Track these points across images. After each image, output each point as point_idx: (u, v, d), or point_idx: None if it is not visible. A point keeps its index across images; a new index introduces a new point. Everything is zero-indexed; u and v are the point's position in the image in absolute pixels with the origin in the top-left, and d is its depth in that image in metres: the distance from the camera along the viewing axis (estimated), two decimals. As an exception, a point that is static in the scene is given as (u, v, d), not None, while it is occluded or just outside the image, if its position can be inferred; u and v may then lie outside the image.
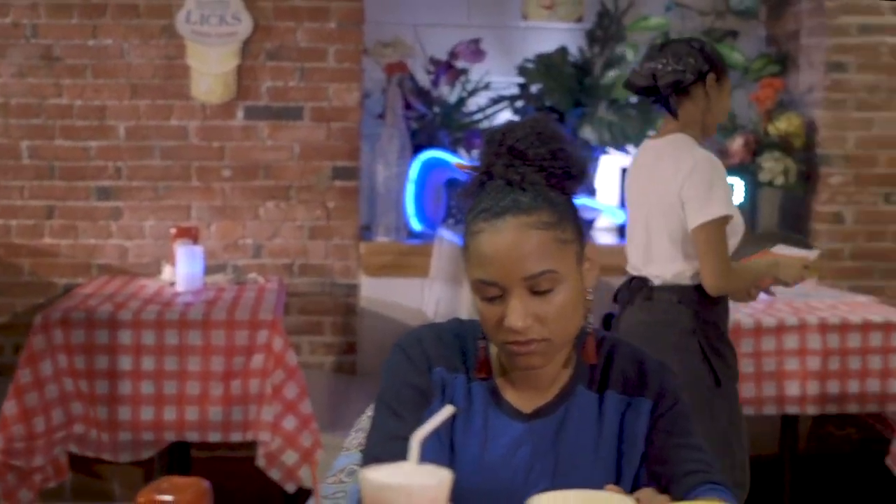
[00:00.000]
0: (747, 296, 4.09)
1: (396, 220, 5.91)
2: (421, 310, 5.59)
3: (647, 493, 2.02)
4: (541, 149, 2.12)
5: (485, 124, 6.18)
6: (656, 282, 4.08)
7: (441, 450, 2.17)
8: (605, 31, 6.23)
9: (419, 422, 2.12)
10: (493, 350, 2.22)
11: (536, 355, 2.13)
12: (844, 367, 4.71)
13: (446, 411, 1.77)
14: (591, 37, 6.26)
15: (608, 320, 4.21)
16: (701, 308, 4.00)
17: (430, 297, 5.47)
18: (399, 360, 2.22)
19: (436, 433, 2.02)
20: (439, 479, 1.61)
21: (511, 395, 2.21)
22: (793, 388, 4.68)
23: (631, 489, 2.18)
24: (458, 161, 2.12)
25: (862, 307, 4.98)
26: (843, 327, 4.71)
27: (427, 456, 2.03)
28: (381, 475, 1.60)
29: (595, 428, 2.22)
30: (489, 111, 6.21)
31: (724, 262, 3.96)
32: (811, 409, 4.71)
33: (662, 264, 4.07)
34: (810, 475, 5.85)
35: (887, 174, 6.03)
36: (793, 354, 4.68)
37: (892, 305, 5.30)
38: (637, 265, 4.14)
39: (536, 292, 2.09)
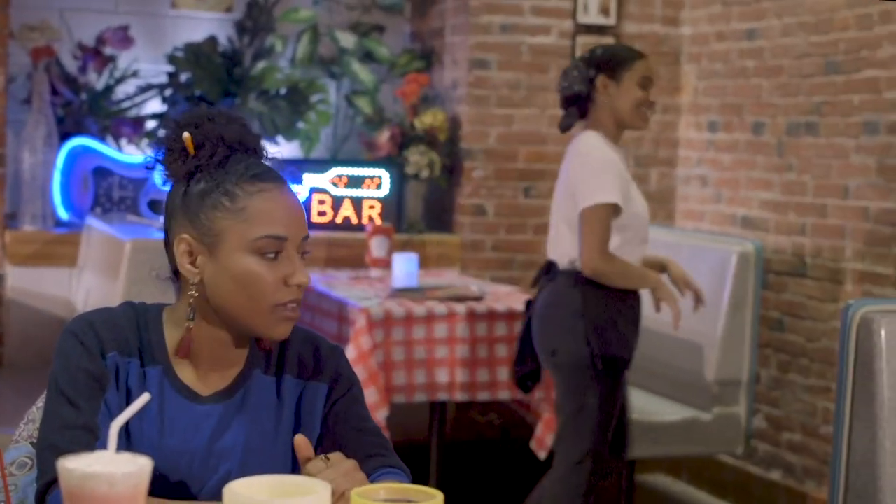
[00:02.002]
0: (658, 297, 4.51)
1: (43, 207, 5.77)
2: (70, 300, 5.48)
3: (337, 456, 2.07)
4: (258, 138, 2.25)
5: (133, 112, 6.11)
6: (560, 266, 4.44)
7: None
8: (255, 21, 6.25)
9: (95, 409, 2.12)
10: (168, 333, 2.22)
11: (295, 319, 2.20)
12: (492, 354, 4.86)
13: (143, 398, 1.77)
14: (241, 27, 6.27)
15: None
16: (592, 293, 4.36)
17: (79, 287, 5.37)
18: (71, 345, 2.17)
19: (106, 422, 2.03)
20: (140, 466, 1.61)
21: (188, 379, 2.22)
22: (442, 376, 4.80)
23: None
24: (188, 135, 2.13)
25: (506, 296, 5.15)
26: (490, 316, 4.87)
27: (101, 445, 2.04)
28: (81, 464, 1.59)
29: (274, 412, 2.25)
30: (137, 99, 6.13)
31: (600, 246, 4.31)
32: (460, 396, 4.85)
33: (562, 249, 4.44)
34: (457, 460, 6.03)
35: (526, 169, 6.26)
36: (442, 343, 4.81)
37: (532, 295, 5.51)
38: (549, 251, 4.53)
39: (302, 254, 2.19)
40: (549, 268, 4.50)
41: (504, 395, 4.91)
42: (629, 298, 4.45)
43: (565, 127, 4.55)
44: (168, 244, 2.22)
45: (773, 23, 5.77)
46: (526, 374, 4.62)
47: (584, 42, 6.24)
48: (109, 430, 1.67)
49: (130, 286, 4.48)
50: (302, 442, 2.06)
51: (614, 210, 4.34)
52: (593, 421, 4.39)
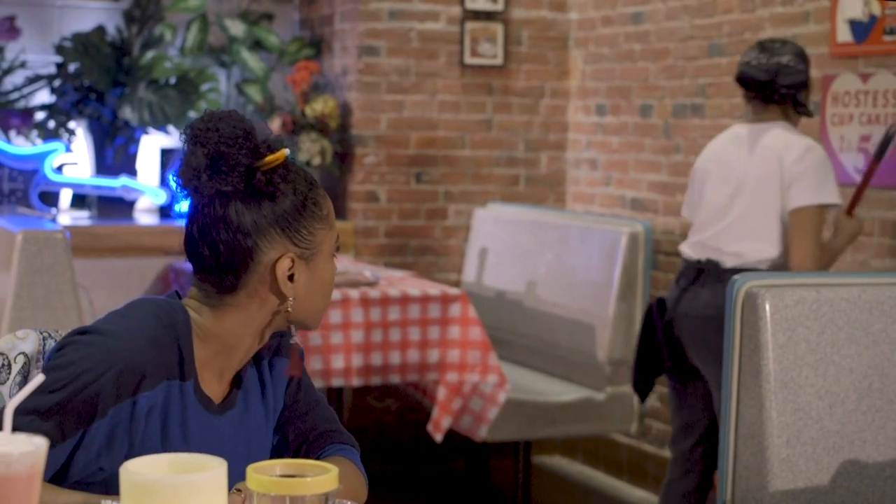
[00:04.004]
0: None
1: (-69, 201, 5.71)
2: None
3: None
4: None
5: (21, 104, 6.05)
6: (729, 263, 4.17)
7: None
8: (144, 11, 6.21)
9: (62, 437, 2.01)
10: (196, 345, 2.13)
11: None
12: (386, 339, 4.89)
13: (38, 379, 1.77)
14: (130, 17, 6.23)
15: (662, 304, 4.34)
16: None
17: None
18: (105, 371, 2.02)
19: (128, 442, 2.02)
20: (36, 446, 1.62)
21: (209, 390, 2.16)
22: (338, 362, 4.82)
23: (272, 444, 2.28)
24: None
25: (400, 281, 5.19)
26: (384, 301, 4.89)
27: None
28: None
29: (261, 402, 2.25)
30: (26, 90, 6.08)
31: (818, 249, 4.09)
32: (356, 382, 4.86)
33: (746, 244, 4.18)
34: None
35: (418, 155, 6.30)
36: (337, 328, 4.83)
37: (426, 279, 5.55)
38: (711, 244, 4.25)
39: None
40: (713, 266, 4.25)
41: (395, 378, 4.93)
42: None
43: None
44: (235, 263, 2.11)
45: (658, 6, 5.85)
46: (646, 379, 4.48)
47: (472, 28, 6.29)
48: (5, 410, 1.67)
49: (22, 277, 4.44)
50: None
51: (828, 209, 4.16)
52: None
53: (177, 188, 2.10)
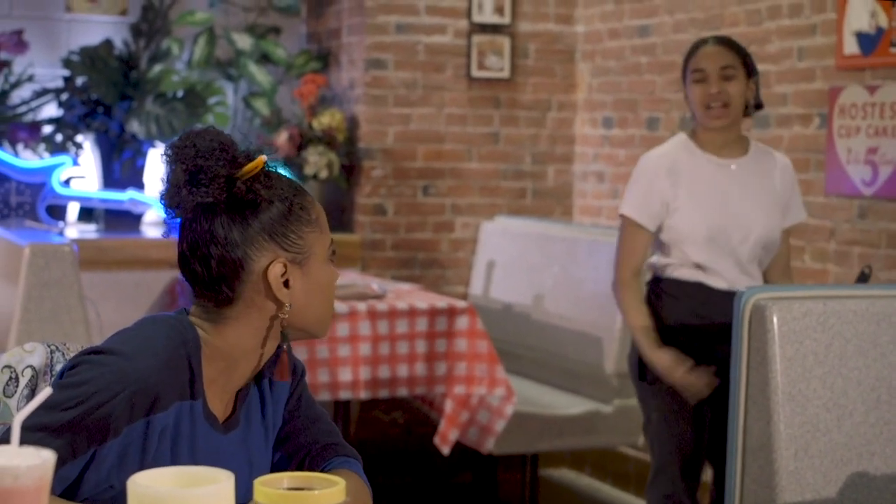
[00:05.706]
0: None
1: (-61, 215, 5.72)
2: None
3: None
4: None
5: (29, 117, 6.06)
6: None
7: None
8: (151, 24, 6.23)
9: (73, 454, 2.01)
10: (204, 363, 2.13)
11: None
12: (394, 352, 4.89)
13: (45, 392, 1.77)
14: (137, 30, 6.25)
15: None
16: (650, 303, 4.14)
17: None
18: (118, 392, 2.01)
19: (140, 461, 2.01)
20: (44, 459, 1.62)
21: (214, 408, 2.16)
22: (345, 374, 4.82)
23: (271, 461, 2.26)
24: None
25: (407, 294, 5.19)
26: (392, 314, 4.89)
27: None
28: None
29: (261, 421, 2.24)
30: (34, 104, 6.09)
31: (618, 259, 4.16)
32: (364, 395, 4.86)
33: None
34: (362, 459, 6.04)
35: (425, 167, 6.30)
36: (344, 341, 4.83)
37: (433, 292, 5.54)
38: None
39: None
40: None
41: (403, 391, 4.93)
42: (680, 304, 4.10)
43: None
44: (227, 275, 2.11)
45: (664, 19, 5.86)
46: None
47: (479, 41, 6.29)
48: (13, 423, 1.67)
49: (30, 290, 4.45)
50: None
51: (638, 224, 4.10)
52: (660, 441, 4.09)
53: (163, 210, 2.11)
